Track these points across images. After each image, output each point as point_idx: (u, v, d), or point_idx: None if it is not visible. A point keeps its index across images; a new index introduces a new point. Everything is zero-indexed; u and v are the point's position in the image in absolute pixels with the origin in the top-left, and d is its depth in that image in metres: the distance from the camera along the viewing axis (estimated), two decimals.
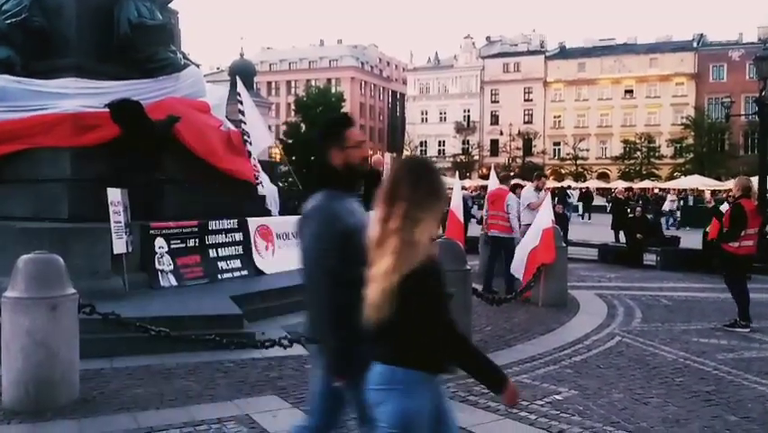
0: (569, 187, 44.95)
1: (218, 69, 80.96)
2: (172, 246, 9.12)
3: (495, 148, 79.00)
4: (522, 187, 14.08)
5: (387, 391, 2.62)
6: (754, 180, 18.19)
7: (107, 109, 9.87)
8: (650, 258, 15.90)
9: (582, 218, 38.89)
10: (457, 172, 15.64)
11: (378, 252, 2.62)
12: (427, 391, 2.65)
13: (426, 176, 2.72)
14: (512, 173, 13.62)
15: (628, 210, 20.93)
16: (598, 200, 54.64)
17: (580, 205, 41.15)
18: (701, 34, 77.51)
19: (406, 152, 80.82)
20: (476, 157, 78.88)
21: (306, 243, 3.10)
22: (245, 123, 11.97)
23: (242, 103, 12.24)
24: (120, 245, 8.19)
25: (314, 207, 3.11)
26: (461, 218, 11.24)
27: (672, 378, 6.39)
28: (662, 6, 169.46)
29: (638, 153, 71.66)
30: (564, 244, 11.33)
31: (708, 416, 5.31)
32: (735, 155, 62.82)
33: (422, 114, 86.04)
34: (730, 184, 27.55)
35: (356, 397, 3.01)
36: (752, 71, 29.01)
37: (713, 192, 45.30)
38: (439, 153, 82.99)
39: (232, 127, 12.20)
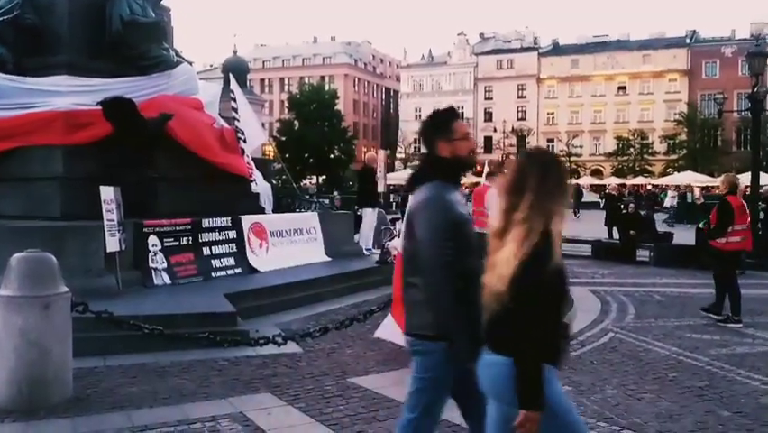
0: None
1: (211, 66, 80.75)
2: (165, 244, 9.09)
3: (489, 145, 78.99)
4: None
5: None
6: (746, 177, 18.32)
7: (100, 107, 9.84)
8: (643, 254, 15.95)
9: (574, 215, 38.99)
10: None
11: (500, 241, 2.64)
12: (554, 380, 2.67)
13: (554, 168, 2.74)
14: (492, 167, 13.56)
15: (621, 206, 20.99)
16: (592, 196, 54.89)
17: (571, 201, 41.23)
18: (694, 31, 77.70)
19: (399, 150, 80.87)
20: None
21: (418, 234, 3.07)
22: (238, 120, 11.95)
23: (235, 100, 12.22)
24: (113, 243, 8.16)
25: (425, 199, 3.10)
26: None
27: (666, 373, 6.41)
28: (654, 3, 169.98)
29: (631, 150, 71.83)
30: None
31: (701, 411, 5.33)
32: (727, 151, 62.99)
33: (415, 111, 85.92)
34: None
35: (427, 392, 3.09)
36: (744, 68, 29.14)
37: (702, 189, 45.52)
38: None
39: (225, 125, 12.19)
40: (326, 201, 23.54)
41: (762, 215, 15.88)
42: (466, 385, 3.00)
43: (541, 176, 2.67)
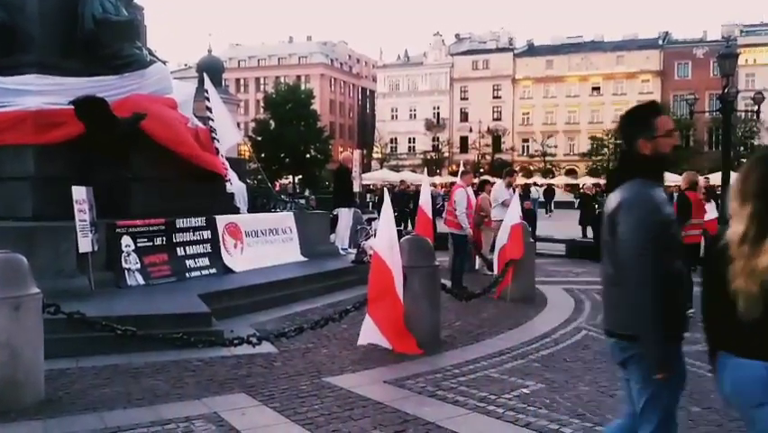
0: (534, 183, 45.38)
1: (186, 65, 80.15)
2: (139, 245, 9.03)
3: (465, 145, 79.32)
4: (491, 184, 14.21)
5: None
6: (718, 176, 18.60)
7: (71, 106, 9.74)
8: None
9: (546, 213, 39.53)
10: (425, 169, 15.74)
11: (745, 248, 2.54)
12: None
13: None
14: (467, 167, 13.63)
15: (596, 206, 21.17)
16: (567, 196, 55.37)
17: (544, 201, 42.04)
18: (667, 32, 78.70)
19: (376, 149, 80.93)
20: (446, 154, 79.19)
21: (621, 233, 2.98)
22: (212, 120, 11.89)
23: (209, 99, 12.14)
24: (85, 244, 8.08)
25: (630, 197, 3.00)
26: (430, 215, 11.27)
27: None
28: (628, 5, 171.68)
29: (605, 150, 72.53)
30: (532, 240, 11.44)
31: None
32: (700, 151, 63.82)
33: (392, 111, 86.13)
34: (701, 180, 28.02)
35: (664, 394, 3.00)
36: (716, 69, 29.57)
37: (665, 187, 46.10)
38: (409, 150, 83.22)
39: (199, 124, 12.11)
40: (302, 201, 23.53)
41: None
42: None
43: None
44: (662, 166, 3.14)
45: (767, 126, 67.10)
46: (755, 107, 18.55)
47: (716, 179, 23.02)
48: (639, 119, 3.15)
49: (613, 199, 3.09)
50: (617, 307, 3.11)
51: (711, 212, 14.38)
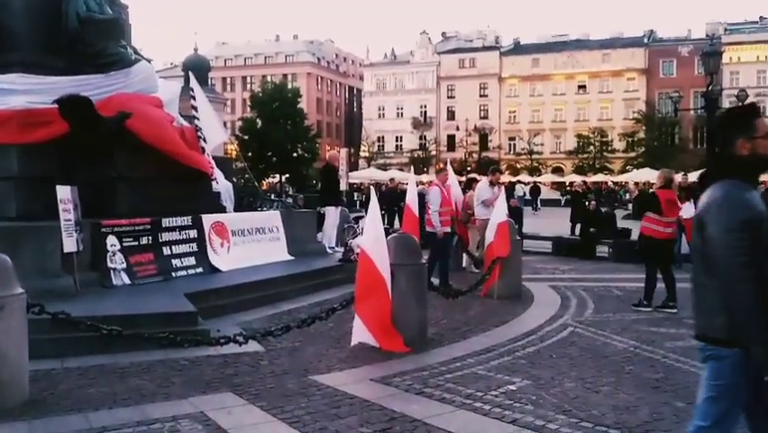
0: (518, 181, 45.60)
1: (172, 64, 79.75)
2: (125, 244, 8.98)
3: (452, 143, 79.47)
4: (477, 181, 14.26)
5: None
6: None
7: (56, 105, 9.67)
8: (603, 250, 16.21)
9: (533, 210, 39.84)
10: (412, 167, 15.82)
11: None
12: None
13: None
14: (442, 165, 13.63)
15: (586, 203, 21.27)
16: (553, 194, 55.65)
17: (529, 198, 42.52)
18: (652, 31, 79.09)
19: (363, 148, 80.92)
20: (433, 152, 79.27)
21: (711, 233, 2.93)
22: (198, 119, 11.85)
23: (195, 98, 12.10)
24: (70, 244, 8.03)
25: (720, 197, 2.96)
26: (417, 213, 11.28)
27: (623, 366, 6.53)
28: (613, 3, 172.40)
29: (591, 147, 72.92)
30: (519, 238, 11.48)
31: (657, 402, 5.44)
32: (685, 149, 64.24)
33: (379, 109, 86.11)
34: (679, 177, 28.23)
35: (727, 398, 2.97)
36: (700, 67, 29.81)
37: (636, 184, 46.57)
38: (396, 149, 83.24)
39: (185, 123, 12.07)
40: (290, 200, 23.48)
41: None
42: (757, 390, 2.91)
43: None
44: (759, 168, 3.11)
45: None
46: (739, 105, 18.71)
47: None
48: (740, 120, 3.13)
49: (703, 200, 3.07)
50: (702, 308, 3.09)
51: (688, 211, 14.48)
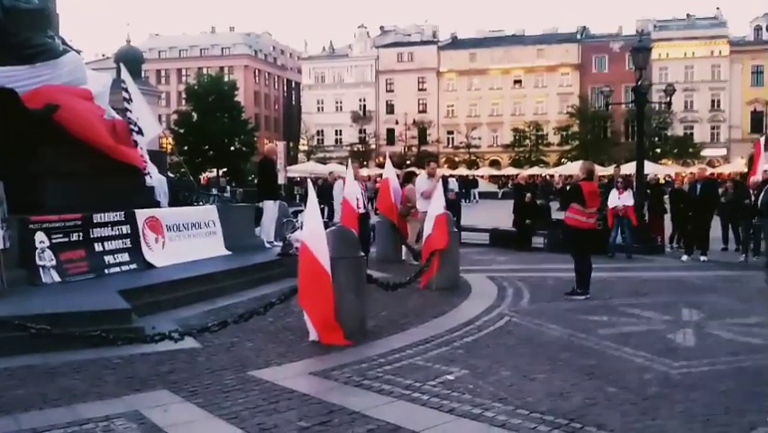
0: (451, 175, 46.03)
1: (103, 56, 77.53)
2: (54, 241, 8.70)
3: (391, 137, 79.73)
4: (417, 175, 14.37)
5: None
6: (632, 166, 19.26)
7: None
8: (538, 241, 16.54)
9: (467, 202, 40.73)
10: (349, 161, 15.77)
11: None
12: None
13: None
14: (382, 159, 13.82)
15: (527, 195, 21.53)
16: (490, 186, 56.47)
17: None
18: (584, 27, 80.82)
19: (302, 142, 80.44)
20: (373, 146, 79.36)
21: None
22: (131, 111, 11.56)
23: (127, 90, 11.80)
24: None
25: None
26: (355, 206, 11.29)
27: (558, 354, 6.68)
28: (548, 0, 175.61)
29: (527, 141, 74.26)
30: (456, 230, 11.61)
31: (591, 388, 5.58)
32: (617, 142, 66.00)
33: (318, 103, 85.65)
34: (611, 170, 29.02)
35: None
36: (631, 62, 30.49)
37: (560, 176, 47.75)
38: (336, 143, 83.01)
39: (116, 116, 11.76)
40: (227, 194, 23.19)
41: (647, 202, 16.71)
42: None
43: None
44: None
45: (679, 117, 70.19)
46: (667, 99, 19.29)
47: (631, 168, 23.83)
48: None
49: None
50: None
51: (628, 199, 14.99)
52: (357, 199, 11.94)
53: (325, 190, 18.53)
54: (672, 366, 6.23)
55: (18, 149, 9.55)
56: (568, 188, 11.96)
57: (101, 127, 10.52)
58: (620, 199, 14.86)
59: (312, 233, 7.11)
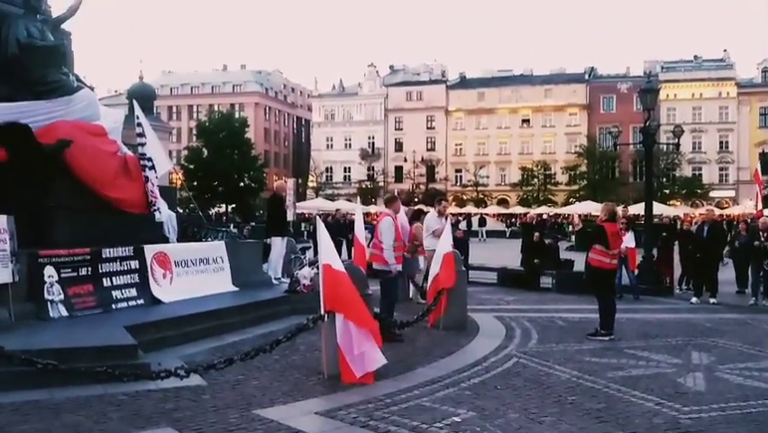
0: (457, 220, 46.23)
1: (116, 92, 78.59)
2: (63, 275, 8.72)
3: (399, 174, 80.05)
4: (426, 213, 14.36)
5: None
6: (640, 207, 19.21)
7: None
8: (546, 281, 16.46)
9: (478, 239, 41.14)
10: (358, 198, 15.83)
11: None
12: None
13: None
14: (395, 193, 13.68)
15: (537, 234, 21.51)
16: (499, 225, 56.42)
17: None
18: (592, 67, 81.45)
19: (311, 178, 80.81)
20: (381, 183, 79.65)
21: None
22: (144, 145, 11.66)
23: (140, 125, 11.91)
24: (5, 275, 7.77)
25: None
26: (364, 244, 11.28)
27: (566, 396, 6.61)
28: (556, 40, 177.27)
29: (535, 180, 74.40)
30: (464, 269, 11.57)
31: (599, 432, 5.51)
32: (624, 182, 66.09)
33: (327, 140, 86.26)
34: (619, 210, 28.97)
35: None
36: (639, 103, 30.69)
37: (579, 216, 47.79)
38: (344, 180, 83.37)
39: (128, 152, 11.86)
40: (235, 230, 23.20)
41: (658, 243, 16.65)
42: None
43: None
44: None
45: (687, 158, 70.29)
46: (675, 140, 19.37)
47: (639, 208, 23.80)
48: None
49: None
50: None
51: (630, 241, 14.93)
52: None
53: (335, 227, 18.54)
54: (681, 411, 6.16)
55: (29, 183, 9.62)
56: (589, 229, 12.01)
57: (105, 167, 10.64)
58: (623, 241, 14.80)
59: (330, 257, 7.24)
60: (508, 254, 21.54)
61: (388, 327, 8.94)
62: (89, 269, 9.13)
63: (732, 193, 70.32)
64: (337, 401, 6.23)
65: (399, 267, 10.12)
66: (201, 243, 12.62)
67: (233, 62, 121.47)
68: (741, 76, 74.02)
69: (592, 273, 10.23)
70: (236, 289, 11.49)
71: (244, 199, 60.50)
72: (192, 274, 10.90)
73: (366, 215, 32.07)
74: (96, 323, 8.33)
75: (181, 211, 17.79)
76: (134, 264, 9.82)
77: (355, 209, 12.99)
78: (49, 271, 8.58)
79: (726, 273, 15.35)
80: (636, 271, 15.18)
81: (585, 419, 5.86)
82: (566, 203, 66.77)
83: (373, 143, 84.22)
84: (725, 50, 77.25)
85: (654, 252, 16.16)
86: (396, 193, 13.91)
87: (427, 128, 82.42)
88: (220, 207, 61.35)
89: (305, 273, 11.54)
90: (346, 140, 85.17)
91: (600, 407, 6.27)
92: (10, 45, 10.66)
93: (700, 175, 71.90)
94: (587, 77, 79.28)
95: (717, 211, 33.66)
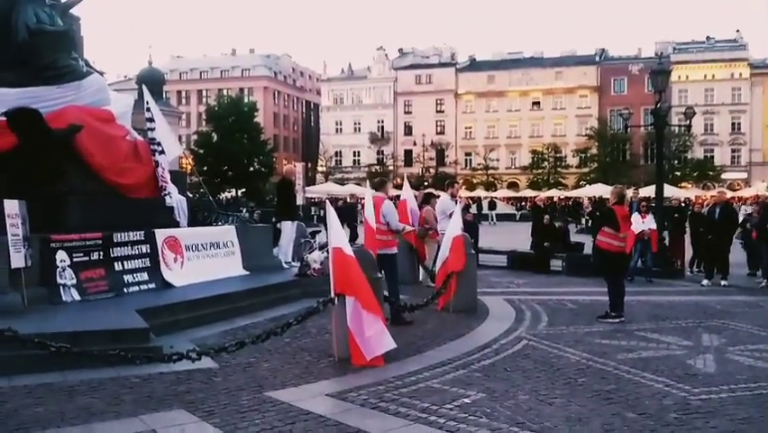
0: (469, 198, 46.12)
1: (126, 77, 78.70)
2: (75, 259, 8.80)
3: (409, 158, 79.87)
4: (436, 196, 14.33)
5: None
6: (651, 189, 19.10)
7: (4, 118, 9.46)
8: (556, 264, 16.44)
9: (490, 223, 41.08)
10: (368, 182, 15.80)
11: None
12: None
13: None
14: (382, 178, 13.49)
15: (546, 217, 21.47)
16: (509, 209, 56.34)
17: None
18: (603, 49, 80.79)
19: (320, 162, 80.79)
20: (390, 167, 79.55)
21: None
22: (154, 130, 11.70)
23: (150, 110, 11.95)
24: (18, 259, 7.84)
25: None
26: (375, 227, 11.28)
27: (576, 378, 6.62)
28: (566, 22, 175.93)
29: (546, 163, 74.09)
30: (474, 252, 11.57)
31: (609, 414, 5.53)
32: (636, 164, 65.73)
33: (336, 124, 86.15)
34: (630, 192, 28.85)
35: None
36: (650, 84, 30.45)
37: (589, 199, 47.62)
38: (354, 164, 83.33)
39: (138, 137, 11.90)
40: (246, 214, 23.27)
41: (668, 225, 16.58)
42: None
43: None
44: None
45: (699, 140, 69.80)
46: (687, 122, 19.21)
47: (650, 191, 23.69)
48: None
49: None
50: None
51: (651, 222, 14.91)
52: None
53: (346, 211, 18.52)
54: (691, 392, 6.16)
55: (41, 169, 9.68)
56: (598, 212, 11.98)
57: (114, 152, 10.70)
58: (644, 223, 14.77)
59: (341, 240, 7.28)
60: (518, 237, 21.50)
61: (398, 312, 9.01)
62: (101, 253, 9.20)
63: (744, 175, 69.86)
64: (348, 384, 6.27)
65: (395, 249, 10.21)
66: (212, 227, 12.68)
67: (242, 46, 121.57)
68: (754, 57, 73.26)
69: (600, 255, 10.26)
70: (247, 272, 11.56)
71: (254, 184, 60.58)
72: (203, 258, 10.96)
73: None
74: (108, 307, 8.41)
75: (191, 196, 17.83)
76: (145, 248, 9.88)
77: (365, 193, 12.96)
78: (61, 256, 8.65)
79: (738, 255, 15.26)
80: (657, 252, 15.14)
81: (595, 401, 5.87)
82: (577, 186, 66.52)
83: (382, 127, 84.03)
84: (737, 31, 76.46)
85: (666, 234, 16.09)
86: (404, 178, 13.86)
87: (437, 111, 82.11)
88: (230, 191, 61.51)
89: (315, 257, 11.58)
90: (355, 124, 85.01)
91: (610, 388, 6.27)
92: (20, 31, 10.69)
93: (712, 157, 71.40)
94: (598, 58, 78.66)
95: (729, 193, 33.41)
